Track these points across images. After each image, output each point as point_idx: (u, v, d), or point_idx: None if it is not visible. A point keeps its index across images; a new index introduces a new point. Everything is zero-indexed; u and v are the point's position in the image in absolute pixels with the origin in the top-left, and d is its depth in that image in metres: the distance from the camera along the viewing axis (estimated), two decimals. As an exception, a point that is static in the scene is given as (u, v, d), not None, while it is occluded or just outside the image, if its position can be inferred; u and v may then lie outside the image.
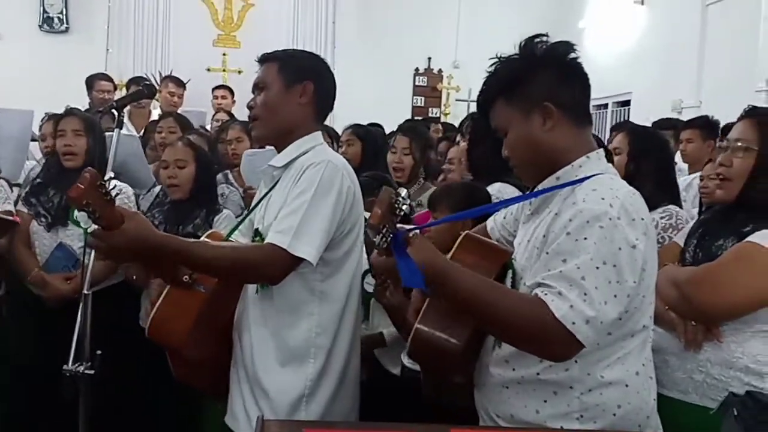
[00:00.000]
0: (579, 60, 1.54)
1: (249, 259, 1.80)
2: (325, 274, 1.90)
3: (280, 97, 1.95)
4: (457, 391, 1.63)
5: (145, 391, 2.90)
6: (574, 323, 1.29)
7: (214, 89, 6.68)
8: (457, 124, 5.72)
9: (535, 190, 1.54)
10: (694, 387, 1.77)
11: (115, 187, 1.53)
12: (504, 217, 1.80)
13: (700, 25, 6.07)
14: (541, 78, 1.50)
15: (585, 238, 1.33)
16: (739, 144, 1.79)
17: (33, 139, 4.30)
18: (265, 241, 1.81)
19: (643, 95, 6.98)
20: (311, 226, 1.79)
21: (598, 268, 1.31)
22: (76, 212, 1.52)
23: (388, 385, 2.47)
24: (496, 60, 1.57)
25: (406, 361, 2.40)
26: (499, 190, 2.57)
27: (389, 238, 1.34)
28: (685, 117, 5.50)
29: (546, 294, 1.32)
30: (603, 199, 1.36)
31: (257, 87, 1.99)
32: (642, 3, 7.07)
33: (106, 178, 1.54)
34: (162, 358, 2.11)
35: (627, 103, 7.36)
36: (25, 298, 2.97)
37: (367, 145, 3.76)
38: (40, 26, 7.67)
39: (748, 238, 1.71)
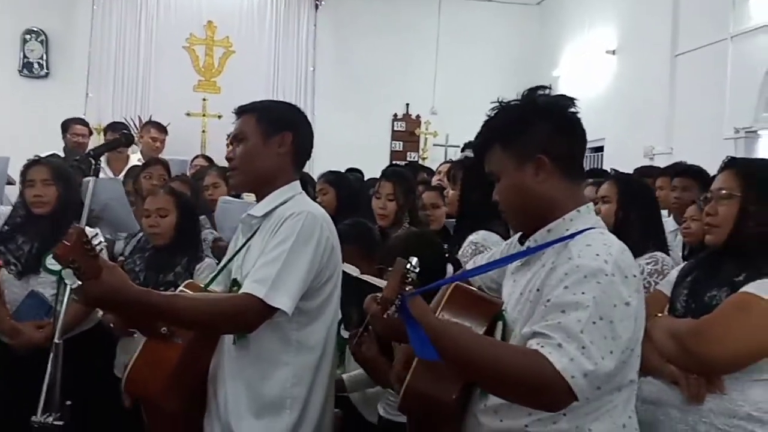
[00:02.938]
0: (578, 115, 1.56)
1: (224, 309, 1.80)
2: (302, 323, 1.90)
3: (259, 148, 1.98)
4: None
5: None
6: (573, 377, 1.28)
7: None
8: (434, 168, 5.78)
9: (527, 245, 1.54)
10: None
11: (100, 243, 1.55)
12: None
13: (669, 75, 6.24)
14: (539, 129, 1.51)
15: (583, 293, 1.34)
16: (723, 192, 1.87)
17: (9, 183, 4.28)
18: (241, 290, 1.81)
19: (615, 142, 7.11)
20: (288, 276, 1.80)
21: (594, 323, 1.32)
22: (61, 269, 1.53)
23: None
24: (497, 104, 1.58)
25: (382, 411, 2.38)
26: (483, 237, 2.61)
27: (398, 307, 1.36)
28: (657, 163, 5.62)
29: (543, 346, 1.32)
30: (598, 255, 1.38)
31: (236, 138, 2.02)
32: (613, 53, 7.27)
33: (90, 233, 1.56)
34: (135, 409, 2.08)
35: (600, 149, 7.50)
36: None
37: (341, 192, 3.78)
38: (20, 71, 7.67)
39: (745, 289, 1.74)
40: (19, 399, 2.44)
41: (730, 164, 1.94)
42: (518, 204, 1.55)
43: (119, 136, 2.29)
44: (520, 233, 1.63)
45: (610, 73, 7.37)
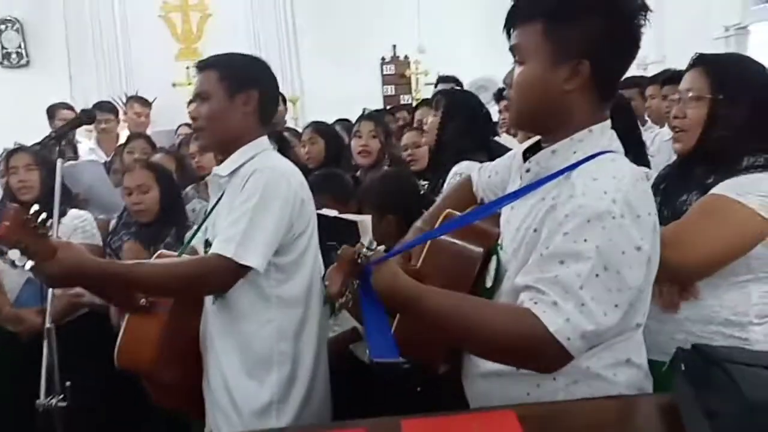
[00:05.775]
0: (643, 26, 1.30)
1: (194, 272, 1.79)
2: (279, 279, 1.89)
3: (224, 106, 1.92)
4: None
5: (131, 418, 2.88)
6: (569, 338, 1.16)
7: None
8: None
9: (527, 166, 1.37)
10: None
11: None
12: (489, 177, 1.69)
13: (655, -20, 6.05)
14: (596, 26, 1.26)
15: (585, 240, 1.18)
16: (691, 94, 1.75)
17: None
18: (210, 251, 1.81)
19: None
20: (255, 233, 1.78)
21: (598, 275, 1.17)
22: (9, 251, 1.52)
23: (362, 373, 2.45)
24: None
25: (366, 359, 2.39)
26: (468, 167, 2.54)
27: (356, 287, 1.22)
28: (650, 73, 5.49)
29: (537, 303, 1.19)
30: (605, 193, 1.20)
31: (199, 96, 1.96)
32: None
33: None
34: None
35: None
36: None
37: (330, 142, 3.75)
38: (0, 63, 7.60)
39: (713, 191, 1.68)
40: (24, 385, 2.48)
41: (698, 61, 1.79)
42: (531, 101, 1.34)
43: (79, 115, 2.26)
44: (524, 149, 1.45)
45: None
